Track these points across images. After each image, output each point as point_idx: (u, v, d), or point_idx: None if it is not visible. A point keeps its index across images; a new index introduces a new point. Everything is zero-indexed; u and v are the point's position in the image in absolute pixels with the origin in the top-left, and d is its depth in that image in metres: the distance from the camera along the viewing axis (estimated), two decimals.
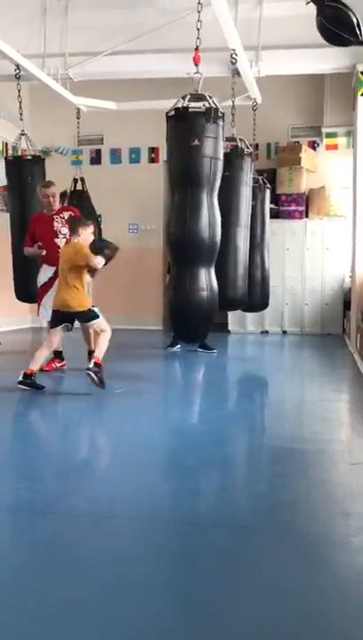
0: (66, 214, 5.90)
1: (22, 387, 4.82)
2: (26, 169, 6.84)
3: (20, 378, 4.82)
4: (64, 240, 5.74)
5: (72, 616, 1.74)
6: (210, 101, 5.67)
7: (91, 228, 5.07)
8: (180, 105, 5.66)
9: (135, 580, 1.95)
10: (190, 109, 5.51)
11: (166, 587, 1.93)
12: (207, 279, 5.63)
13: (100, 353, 4.82)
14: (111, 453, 3.53)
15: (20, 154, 7.74)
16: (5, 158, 7.35)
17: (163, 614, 1.76)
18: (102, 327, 4.95)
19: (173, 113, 5.58)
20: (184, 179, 5.50)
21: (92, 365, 4.73)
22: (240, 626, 1.71)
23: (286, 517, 2.51)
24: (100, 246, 4.94)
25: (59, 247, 5.66)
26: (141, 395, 5.00)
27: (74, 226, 5.09)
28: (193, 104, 5.65)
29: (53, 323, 5.03)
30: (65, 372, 5.89)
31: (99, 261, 4.80)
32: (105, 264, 4.85)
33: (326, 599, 1.85)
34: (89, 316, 4.95)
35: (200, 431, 3.94)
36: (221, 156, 5.67)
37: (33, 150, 6.95)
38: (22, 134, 6.79)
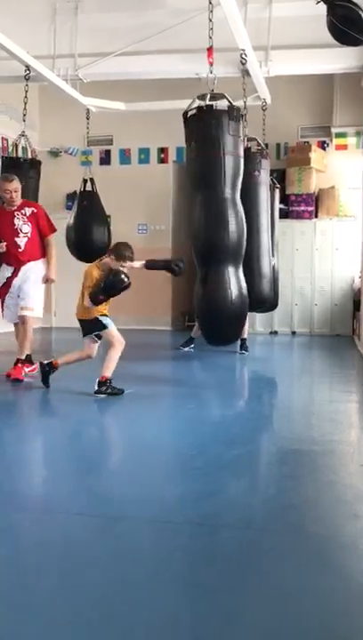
0: (28, 210, 5.59)
1: (100, 395, 4.72)
2: (22, 171, 6.36)
3: (96, 387, 4.74)
4: (25, 239, 5.49)
5: (80, 616, 1.75)
6: (229, 101, 5.64)
7: (124, 263, 4.77)
8: (195, 105, 5.59)
9: (144, 580, 1.95)
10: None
11: (175, 587, 1.93)
12: (237, 279, 5.55)
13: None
14: (120, 454, 3.53)
15: (29, 155, 7.67)
16: (2, 157, 7.04)
17: (172, 614, 1.76)
18: (86, 347, 4.87)
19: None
20: (214, 177, 5.44)
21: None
22: (248, 626, 1.71)
23: (295, 519, 2.50)
24: (107, 287, 4.65)
25: (19, 246, 5.48)
26: (152, 395, 5.00)
27: (119, 251, 4.78)
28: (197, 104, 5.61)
29: (83, 332, 4.94)
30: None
31: (87, 303, 4.67)
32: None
33: (335, 601, 1.84)
34: (94, 328, 4.82)
35: (209, 432, 3.93)
36: (242, 154, 5.71)
37: (31, 151, 6.80)
38: (22, 135, 6.72)
